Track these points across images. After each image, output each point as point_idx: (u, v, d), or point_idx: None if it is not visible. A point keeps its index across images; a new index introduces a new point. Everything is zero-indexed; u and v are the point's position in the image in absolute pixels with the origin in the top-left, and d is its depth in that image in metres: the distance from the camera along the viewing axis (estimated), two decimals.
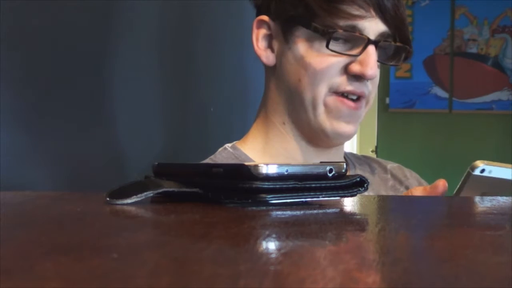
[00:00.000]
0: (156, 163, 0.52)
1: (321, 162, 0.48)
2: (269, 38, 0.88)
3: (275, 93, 0.89)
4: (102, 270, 0.24)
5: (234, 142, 0.93)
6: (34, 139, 0.74)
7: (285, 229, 0.35)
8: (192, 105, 1.28)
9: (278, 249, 0.29)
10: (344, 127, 0.85)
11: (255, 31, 0.89)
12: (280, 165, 0.44)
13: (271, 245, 0.30)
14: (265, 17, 0.88)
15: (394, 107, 4.04)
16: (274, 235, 0.33)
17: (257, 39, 0.89)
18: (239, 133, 0.95)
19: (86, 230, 0.35)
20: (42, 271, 0.23)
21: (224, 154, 0.89)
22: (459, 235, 0.35)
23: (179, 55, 1.20)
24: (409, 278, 0.24)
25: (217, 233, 0.34)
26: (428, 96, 4.00)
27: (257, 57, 0.90)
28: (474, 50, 3.99)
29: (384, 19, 0.83)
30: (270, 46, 0.88)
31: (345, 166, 0.48)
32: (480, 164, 0.64)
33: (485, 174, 0.64)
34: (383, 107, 4.05)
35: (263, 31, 0.88)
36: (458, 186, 0.66)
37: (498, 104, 3.97)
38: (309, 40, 0.83)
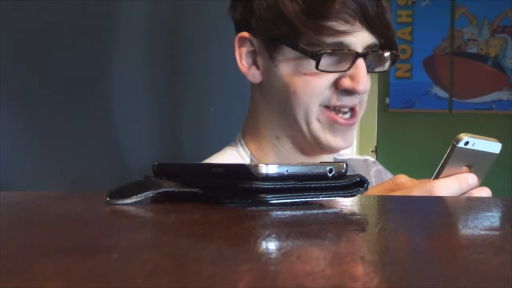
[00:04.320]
0: (156, 163, 0.52)
1: (321, 162, 0.48)
2: (253, 55, 0.85)
3: (266, 109, 0.86)
4: (102, 270, 0.24)
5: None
6: (34, 139, 0.74)
7: (285, 229, 0.35)
8: (192, 105, 1.28)
9: (278, 249, 0.29)
10: (339, 142, 0.84)
11: (237, 49, 0.85)
12: (280, 165, 0.44)
13: (271, 245, 0.30)
14: (246, 34, 0.84)
15: (394, 107, 4.04)
16: (274, 235, 0.33)
17: (240, 57, 0.85)
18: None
19: (86, 230, 0.35)
20: (42, 271, 0.23)
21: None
22: (459, 235, 0.35)
23: (179, 55, 1.20)
24: (409, 278, 0.24)
25: (217, 233, 0.34)
26: (428, 96, 4.00)
27: (243, 75, 0.86)
28: (474, 50, 3.99)
29: (371, 29, 0.80)
30: (255, 63, 0.85)
31: (345, 166, 0.48)
32: (464, 137, 0.65)
33: (469, 146, 0.65)
34: (383, 107, 4.05)
35: (245, 48, 0.85)
36: (443, 159, 0.67)
37: (498, 104, 3.96)
38: (296, 59, 0.81)
